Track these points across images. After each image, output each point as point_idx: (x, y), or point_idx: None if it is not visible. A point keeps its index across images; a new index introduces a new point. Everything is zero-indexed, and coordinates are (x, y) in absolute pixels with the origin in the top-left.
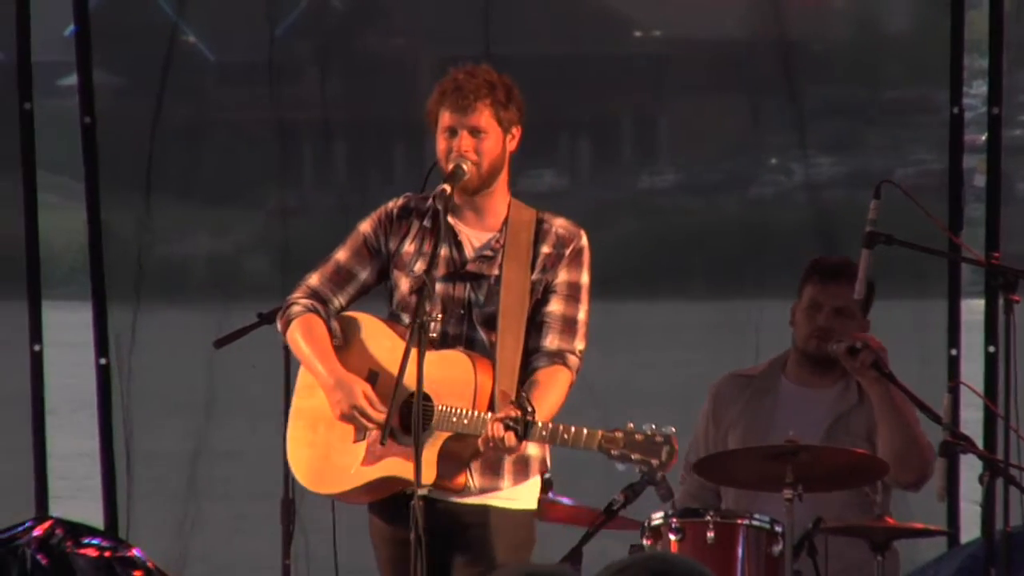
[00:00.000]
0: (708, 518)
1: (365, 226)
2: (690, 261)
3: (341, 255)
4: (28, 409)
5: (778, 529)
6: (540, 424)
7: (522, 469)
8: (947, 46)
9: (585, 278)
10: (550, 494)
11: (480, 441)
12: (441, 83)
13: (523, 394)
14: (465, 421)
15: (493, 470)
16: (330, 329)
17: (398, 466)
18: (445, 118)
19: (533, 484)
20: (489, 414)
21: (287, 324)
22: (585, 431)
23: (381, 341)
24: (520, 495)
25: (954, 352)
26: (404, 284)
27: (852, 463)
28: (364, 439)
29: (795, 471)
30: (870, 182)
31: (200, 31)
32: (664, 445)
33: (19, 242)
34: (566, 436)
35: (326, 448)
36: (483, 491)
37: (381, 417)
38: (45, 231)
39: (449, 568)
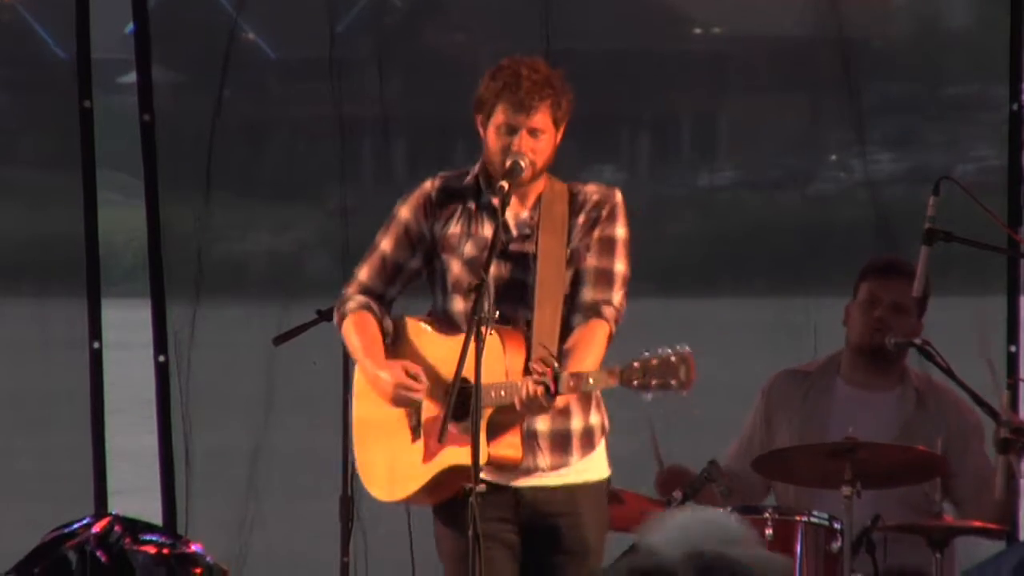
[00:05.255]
0: (766, 515)
1: (405, 212)
2: (749, 258)
3: (386, 245)
4: (88, 406)
5: (836, 526)
6: (566, 375)
7: (587, 441)
8: (1007, 42)
9: (620, 231)
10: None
11: (517, 401)
12: (500, 73)
13: (546, 349)
14: (503, 393)
15: (562, 447)
16: (382, 327)
17: (458, 454)
18: (503, 114)
19: (601, 451)
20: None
21: (341, 319)
22: (605, 371)
23: (424, 341)
24: (592, 465)
25: (1013, 349)
26: (456, 266)
27: (911, 460)
28: (421, 437)
29: (853, 468)
30: (930, 178)
31: (260, 28)
32: (680, 364)
33: (80, 240)
34: (591, 380)
35: (389, 454)
36: (554, 468)
37: (422, 389)
38: (106, 229)
39: (544, 559)
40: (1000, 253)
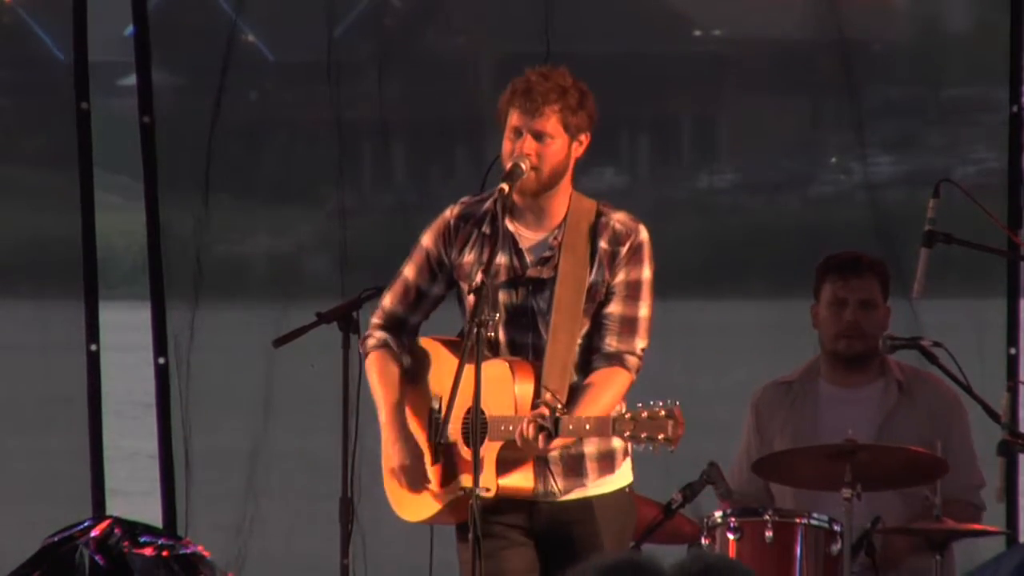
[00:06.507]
0: (767, 517)
1: (427, 241)
2: (749, 260)
3: (409, 273)
4: (86, 409)
5: (836, 528)
6: (565, 420)
7: (607, 465)
8: (1007, 44)
9: (646, 273)
10: None
11: (517, 439)
12: (515, 81)
13: (549, 391)
14: (510, 428)
15: (575, 471)
16: (401, 363)
17: (469, 480)
18: (513, 118)
19: (623, 470)
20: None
21: (366, 355)
22: (602, 419)
23: (442, 364)
24: (611, 480)
25: (1013, 351)
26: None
27: (911, 462)
28: (440, 461)
29: (853, 470)
30: (930, 181)
31: (259, 30)
32: (668, 420)
33: (78, 242)
34: (588, 427)
35: (408, 475)
36: (567, 491)
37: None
38: (107, 231)
39: (561, 569)
40: (1000, 255)
